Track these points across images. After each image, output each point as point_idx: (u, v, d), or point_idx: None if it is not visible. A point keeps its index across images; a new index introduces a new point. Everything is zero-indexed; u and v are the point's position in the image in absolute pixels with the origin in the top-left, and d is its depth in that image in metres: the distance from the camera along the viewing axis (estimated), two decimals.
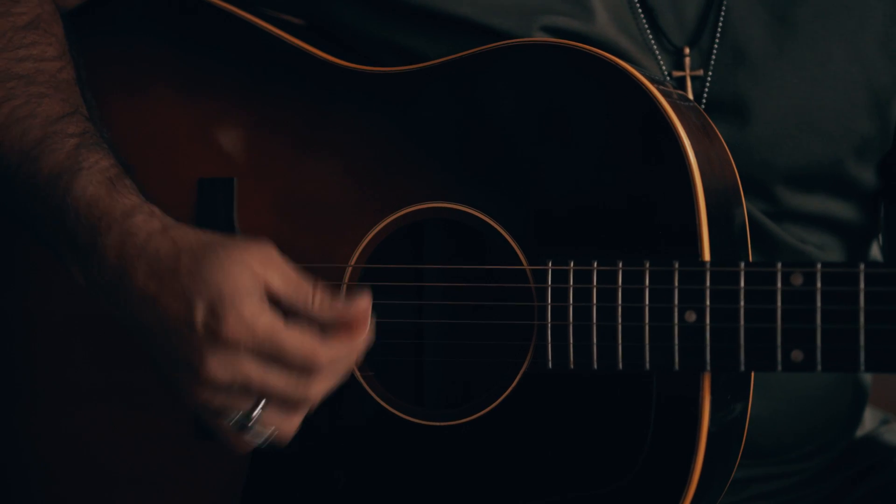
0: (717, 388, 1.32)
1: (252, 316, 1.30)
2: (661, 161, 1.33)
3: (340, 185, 1.46)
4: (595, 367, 1.33)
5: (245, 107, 1.52)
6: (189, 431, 1.49)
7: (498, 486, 1.38)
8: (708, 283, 1.29)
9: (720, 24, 1.52)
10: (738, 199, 1.41)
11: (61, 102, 1.47)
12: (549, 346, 1.35)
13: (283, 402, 1.33)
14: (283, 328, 1.31)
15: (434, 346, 1.47)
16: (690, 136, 1.33)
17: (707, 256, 1.31)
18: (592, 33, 1.50)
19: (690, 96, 1.52)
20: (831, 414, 1.63)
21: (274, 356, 1.31)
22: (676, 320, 1.30)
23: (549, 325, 1.34)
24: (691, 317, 1.30)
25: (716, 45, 1.53)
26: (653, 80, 1.37)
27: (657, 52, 1.53)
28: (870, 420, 1.75)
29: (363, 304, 1.33)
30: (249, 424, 1.34)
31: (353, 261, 1.43)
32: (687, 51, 1.53)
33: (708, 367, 1.30)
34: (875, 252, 1.70)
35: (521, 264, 1.36)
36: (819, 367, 1.27)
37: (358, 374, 1.42)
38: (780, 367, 1.28)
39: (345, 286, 1.43)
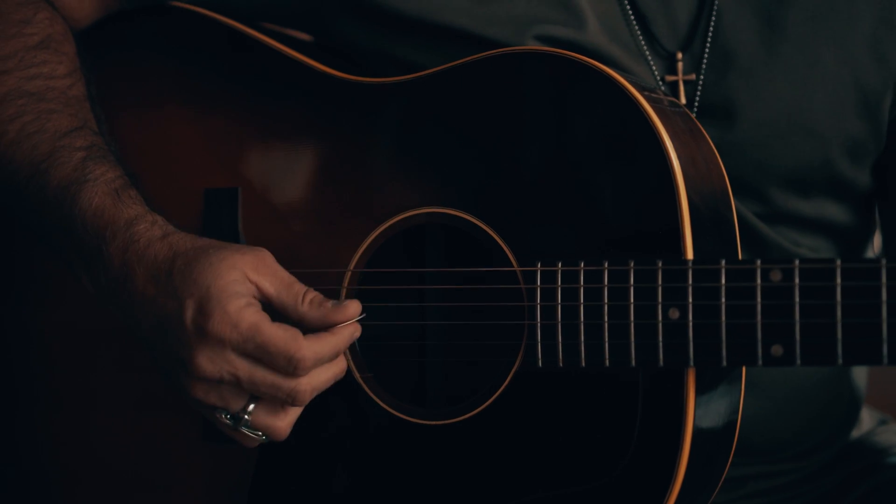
0: (702, 384, 1.36)
1: (237, 313, 1.36)
2: (646, 164, 1.37)
3: (340, 192, 1.51)
4: (583, 364, 1.38)
5: (250, 120, 1.57)
6: (197, 434, 1.55)
7: (492, 481, 1.43)
8: (690, 281, 1.33)
9: (711, 29, 1.56)
10: (726, 201, 1.44)
11: (70, 117, 1.53)
12: (539, 345, 1.39)
13: (273, 399, 1.39)
14: (266, 325, 1.36)
15: (430, 347, 1.51)
16: (675, 139, 1.38)
17: (690, 255, 1.35)
18: (584, 41, 1.54)
19: (683, 100, 1.56)
20: (826, 414, 1.67)
21: (258, 353, 1.36)
22: (660, 318, 1.34)
23: (539, 324, 1.39)
24: (675, 314, 1.34)
25: (707, 50, 1.57)
26: (638, 86, 1.41)
27: (650, 57, 1.57)
28: (868, 421, 1.78)
29: (351, 308, 1.39)
30: (242, 421, 1.40)
31: (352, 265, 1.48)
32: (679, 56, 1.57)
33: (692, 363, 1.34)
34: (870, 253, 1.73)
35: (512, 266, 1.41)
36: (798, 361, 1.30)
37: (357, 375, 1.47)
38: (760, 362, 1.31)
39: (344, 290, 1.48)
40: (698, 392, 1.35)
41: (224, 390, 1.39)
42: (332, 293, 1.48)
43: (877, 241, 1.72)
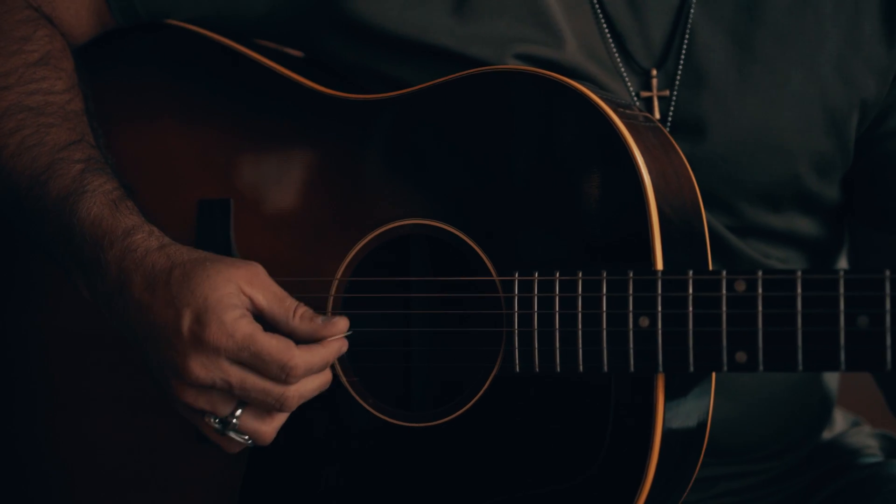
0: (671, 389, 1.44)
1: (233, 323, 1.44)
2: (619, 178, 1.45)
3: (328, 204, 1.59)
4: (558, 370, 1.45)
5: (241, 134, 1.65)
6: (190, 434, 1.62)
7: (471, 481, 1.50)
8: (660, 291, 1.41)
9: (684, 48, 1.63)
10: (697, 214, 1.52)
11: (68, 131, 1.61)
12: (517, 351, 1.47)
13: (262, 405, 1.47)
14: (261, 335, 1.44)
15: (414, 353, 1.59)
16: (646, 154, 1.46)
17: (660, 266, 1.43)
18: (563, 59, 1.61)
19: (657, 115, 1.64)
20: (797, 416, 1.74)
21: (252, 361, 1.44)
22: (631, 325, 1.42)
23: (516, 331, 1.47)
24: (645, 322, 1.42)
25: (680, 68, 1.64)
26: (613, 104, 1.49)
27: (625, 74, 1.64)
28: (841, 422, 1.86)
29: (340, 324, 1.48)
30: (230, 425, 1.48)
31: (339, 274, 1.56)
32: (654, 73, 1.64)
33: (660, 369, 1.42)
34: (842, 265, 1.80)
35: (491, 276, 1.49)
36: (761, 368, 1.38)
37: (344, 379, 1.55)
38: (725, 368, 1.39)
39: (331, 298, 1.56)
40: (668, 397, 1.43)
41: (214, 396, 1.47)
42: (319, 301, 1.55)
43: None
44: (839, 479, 1.74)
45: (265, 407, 1.48)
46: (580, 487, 1.46)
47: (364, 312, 1.55)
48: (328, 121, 1.61)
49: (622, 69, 1.65)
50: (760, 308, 1.38)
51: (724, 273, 1.40)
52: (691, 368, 1.41)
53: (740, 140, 1.63)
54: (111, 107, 1.71)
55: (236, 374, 1.46)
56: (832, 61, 1.63)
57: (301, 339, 1.48)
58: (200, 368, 1.45)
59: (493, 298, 1.49)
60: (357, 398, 1.55)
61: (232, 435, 1.48)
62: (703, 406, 1.51)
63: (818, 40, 1.63)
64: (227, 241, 1.62)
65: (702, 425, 1.51)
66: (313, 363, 1.47)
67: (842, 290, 1.35)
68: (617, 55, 1.65)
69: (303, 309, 1.49)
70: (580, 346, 1.44)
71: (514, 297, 1.47)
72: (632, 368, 1.43)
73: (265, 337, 1.45)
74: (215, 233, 1.63)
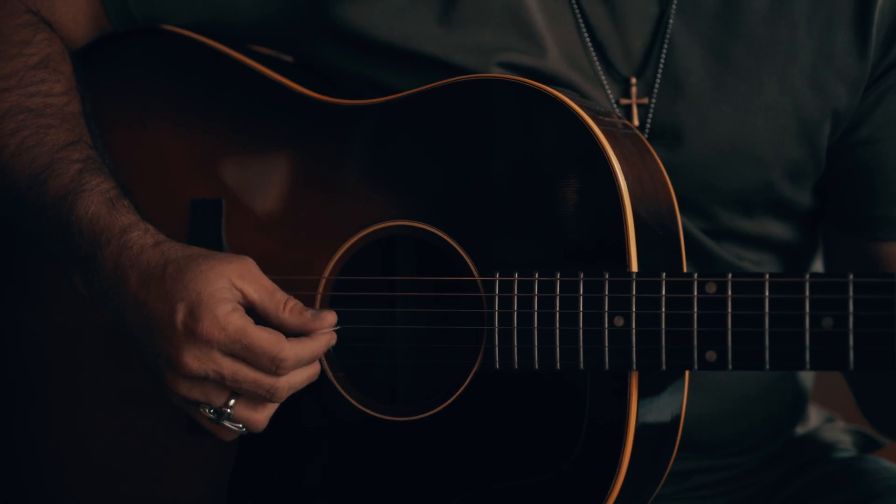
0: (644, 386, 1.50)
1: (225, 317, 1.50)
2: (596, 183, 1.51)
3: (316, 205, 1.65)
4: (536, 366, 1.52)
5: (233, 136, 1.71)
6: (180, 425, 1.69)
7: (452, 473, 1.57)
8: (634, 292, 1.48)
9: (663, 57, 1.69)
10: (672, 218, 1.59)
11: (67, 132, 1.66)
12: (497, 348, 1.54)
13: (253, 396, 1.53)
14: (252, 328, 1.50)
15: (399, 349, 1.65)
16: (623, 161, 1.52)
17: (634, 268, 1.49)
18: (545, 67, 1.67)
19: (636, 122, 1.70)
20: (770, 413, 1.81)
21: (243, 353, 1.51)
22: (606, 325, 1.49)
23: (497, 329, 1.54)
24: (619, 321, 1.49)
25: (659, 77, 1.70)
26: (592, 111, 1.55)
27: (606, 82, 1.70)
28: (815, 418, 1.92)
29: (328, 318, 1.54)
30: (224, 415, 1.54)
31: (326, 273, 1.63)
32: (633, 81, 1.71)
33: (634, 367, 1.49)
34: (817, 267, 1.87)
35: (473, 276, 1.56)
36: (730, 366, 1.45)
37: (330, 374, 1.61)
38: (696, 366, 1.46)
39: (319, 296, 1.62)
40: (641, 393, 1.50)
41: (208, 387, 1.53)
42: (308, 299, 1.62)
43: None
44: (811, 472, 1.81)
45: (256, 397, 1.54)
46: (557, 479, 1.53)
47: (351, 310, 1.61)
48: (317, 124, 1.67)
49: (602, 77, 1.71)
50: (730, 309, 1.45)
51: (696, 275, 1.47)
52: (663, 366, 1.48)
53: (716, 147, 1.69)
54: (108, 109, 1.76)
55: (228, 366, 1.52)
56: (805, 72, 1.69)
57: (291, 332, 1.54)
58: (194, 361, 1.51)
59: (474, 298, 1.56)
60: (343, 393, 1.61)
61: (226, 424, 1.55)
62: (676, 402, 1.57)
63: (792, 51, 1.69)
64: (218, 240, 1.68)
65: (675, 421, 1.58)
66: (303, 356, 1.53)
67: (807, 292, 1.42)
68: (598, 64, 1.71)
69: (293, 302, 1.55)
70: (558, 344, 1.51)
71: (494, 297, 1.54)
72: (607, 366, 1.50)
73: (256, 330, 1.51)
74: (207, 232, 1.69)
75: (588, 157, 1.52)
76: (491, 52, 1.68)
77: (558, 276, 1.51)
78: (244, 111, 1.72)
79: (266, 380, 1.52)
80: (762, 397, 1.79)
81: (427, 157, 1.61)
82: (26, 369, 1.79)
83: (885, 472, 1.75)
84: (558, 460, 1.52)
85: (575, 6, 1.70)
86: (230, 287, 1.53)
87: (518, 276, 1.53)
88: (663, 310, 1.47)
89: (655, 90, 1.71)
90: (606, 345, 1.49)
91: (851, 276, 1.41)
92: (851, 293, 1.41)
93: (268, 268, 1.61)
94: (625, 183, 1.51)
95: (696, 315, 1.46)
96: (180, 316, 1.52)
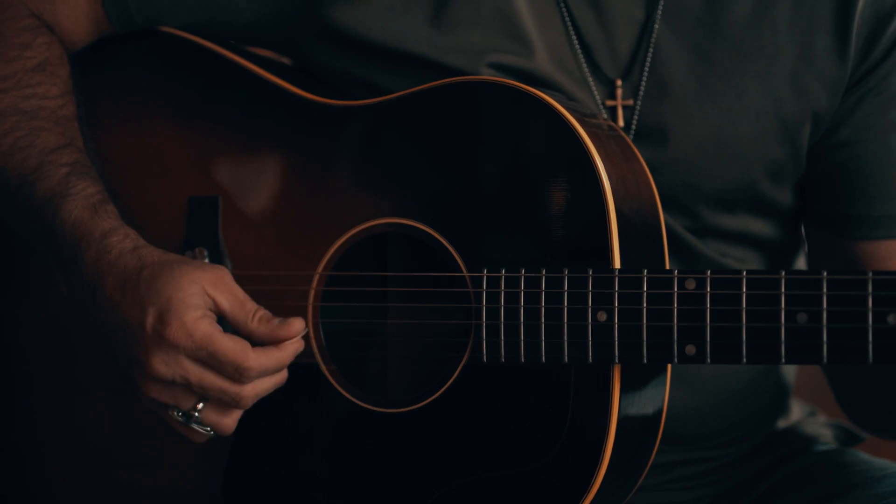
0: (627, 379, 1.57)
1: (192, 323, 1.55)
2: (581, 183, 1.58)
3: (311, 202, 1.71)
4: (522, 360, 1.59)
5: (229, 135, 1.77)
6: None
7: (441, 463, 1.63)
8: (616, 288, 1.55)
9: (648, 60, 1.75)
10: (654, 217, 1.65)
11: (58, 136, 1.72)
12: (484, 342, 1.60)
13: (219, 402, 1.59)
14: (219, 337, 1.56)
15: (390, 343, 1.72)
16: (607, 161, 1.59)
17: (617, 265, 1.56)
18: (533, 69, 1.73)
19: (621, 123, 1.76)
20: (752, 407, 1.87)
21: (209, 360, 1.56)
22: (590, 320, 1.56)
23: (484, 324, 1.60)
24: (602, 316, 1.55)
25: (644, 79, 1.75)
26: (577, 113, 1.61)
27: (592, 84, 1.76)
28: (797, 412, 1.98)
29: (296, 325, 1.59)
30: (193, 418, 1.60)
31: (320, 268, 1.69)
32: (619, 83, 1.76)
33: (616, 360, 1.55)
34: (801, 264, 1.93)
35: (462, 272, 1.63)
36: (709, 360, 1.51)
37: (323, 367, 1.68)
38: (676, 360, 1.53)
39: (313, 291, 1.69)
40: (623, 386, 1.57)
41: (176, 391, 1.59)
42: (302, 294, 1.68)
43: None
44: (792, 464, 1.87)
45: (222, 404, 1.59)
46: (543, 469, 1.59)
47: (343, 305, 1.68)
48: (311, 124, 1.73)
49: (589, 79, 1.77)
50: (709, 305, 1.51)
51: (676, 272, 1.53)
52: (645, 360, 1.54)
53: (699, 147, 1.74)
54: (107, 108, 1.82)
55: (195, 372, 1.57)
56: (787, 75, 1.74)
57: (259, 341, 1.59)
58: (161, 364, 1.56)
59: (463, 293, 1.62)
60: (335, 385, 1.68)
61: (195, 427, 1.60)
62: (658, 396, 1.64)
63: (774, 54, 1.74)
64: (215, 237, 1.74)
65: (657, 414, 1.64)
66: (268, 366, 1.58)
67: (783, 289, 1.48)
68: (585, 66, 1.76)
69: (261, 312, 1.60)
70: (543, 338, 1.58)
71: (482, 293, 1.60)
72: (590, 359, 1.56)
73: (223, 338, 1.56)
74: (205, 228, 1.75)
75: (573, 159, 1.58)
76: (481, 53, 1.73)
77: (544, 272, 1.58)
78: (240, 111, 1.77)
79: (231, 388, 1.58)
80: (746, 392, 1.85)
81: (418, 156, 1.67)
82: (26, 361, 1.85)
83: (862, 464, 1.81)
84: (543, 450, 1.59)
85: (563, 9, 1.76)
86: (202, 293, 1.58)
87: (505, 272, 1.60)
88: (644, 305, 1.54)
89: (641, 92, 1.76)
90: (590, 339, 1.56)
91: (825, 274, 1.47)
92: (825, 290, 1.47)
93: (263, 263, 1.68)
94: (608, 183, 1.57)
95: (676, 310, 1.53)
96: (150, 320, 1.57)
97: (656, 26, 1.75)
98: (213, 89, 1.80)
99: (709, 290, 1.52)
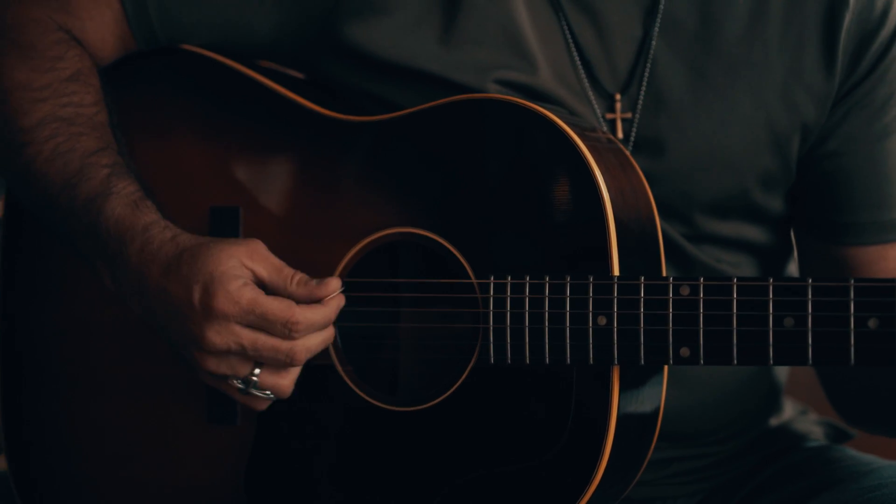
0: (625, 379, 1.67)
1: (237, 291, 1.66)
2: (581, 194, 1.68)
3: (325, 212, 1.81)
4: (527, 361, 1.69)
5: (248, 147, 1.86)
6: (200, 416, 1.85)
7: (450, 458, 1.73)
8: (615, 294, 1.65)
9: (646, 75, 1.83)
10: (651, 226, 1.75)
11: (96, 140, 1.82)
12: (491, 345, 1.70)
13: (274, 362, 1.69)
14: (263, 298, 1.66)
15: (402, 346, 1.82)
16: (606, 174, 1.69)
17: (616, 272, 1.66)
18: (536, 85, 1.82)
19: (620, 135, 1.84)
20: (747, 407, 1.97)
21: (258, 322, 1.66)
22: (591, 324, 1.66)
23: (491, 328, 1.70)
24: (602, 321, 1.66)
25: (642, 93, 1.83)
26: (578, 128, 1.71)
27: (593, 98, 1.85)
28: (789, 410, 2.08)
29: (333, 283, 1.70)
30: (252, 383, 1.70)
31: (336, 275, 1.78)
32: (618, 97, 1.85)
33: (616, 361, 1.65)
34: (792, 269, 2.02)
35: (470, 279, 1.73)
36: (702, 362, 1.62)
37: (339, 368, 1.78)
38: (671, 361, 1.63)
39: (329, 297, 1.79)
40: (622, 386, 1.67)
41: (232, 359, 1.69)
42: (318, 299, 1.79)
43: None
44: (783, 459, 1.97)
45: (277, 363, 1.69)
46: (546, 464, 1.69)
47: (358, 310, 1.78)
48: (325, 138, 1.83)
49: (590, 93, 1.85)
50: (702, 310, 1.62)
51: (672, 279, 1.64)
52: (642, 361, 1.65)
53: (695, 158, 1.83)
54: (132, 121, 1.91)
55: (247, 336, 1.67)
56: (777, 89, 1.82)
57: (301, 302, 1.69)
58: (215, 335, 1.67)
59: (471, 299, 1.72)
60: (351, 385, 1.78)
61: (254, 392, 1.70)
62: (656, 395, 1.74)
63: (765, 70, 1.82)
64: None
65: (655, 412, 1.75)
66: (314, 319, 1.68)
67: (771, 295, 1.59)
68: (586, 81, 1.85)
69: (299, 276, 1.70)
70: (546, 341, 1.68)
71: (489, 298, 1.71)
72: (591, 361, 1.67)
73: (267, 300, 1.67)
74: (226, 236, 1.83)
75: (574, 171, 1.68)
76: (487, 70, 1.81)
77: (547, 279, 1.68)
78: (258, 125, 1.87)
79: (283, 345, 1.67)
80: (739, 392, 1.94)
81: (428, 169, 1.77)
82: (54, 361, 1.94)
83: (850, 459, 1.91)
84: (547, 447, 1.69)
85: (565, 27, 1.84)
86: (240, 266, 1.68)
87: (511, 279, 1.70)
88: (642, 310, 1.64)
89: (639, 105, 1.85)
90: (591, 342, 1.66)
91: (810, 280, 1.58)
92: (810, 296, 1.58)
93: None
94: (607, 194, 1.68)
95: (671, 315, 1.63)
96: (197, 295, 1.67)
97: (653, 43, 1.83)
98: (233, 104, 1.89)
99: (702, 295, 1.62)
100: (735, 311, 1.61)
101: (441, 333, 1.78)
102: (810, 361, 1.59)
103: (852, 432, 2.06)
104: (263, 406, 1.75)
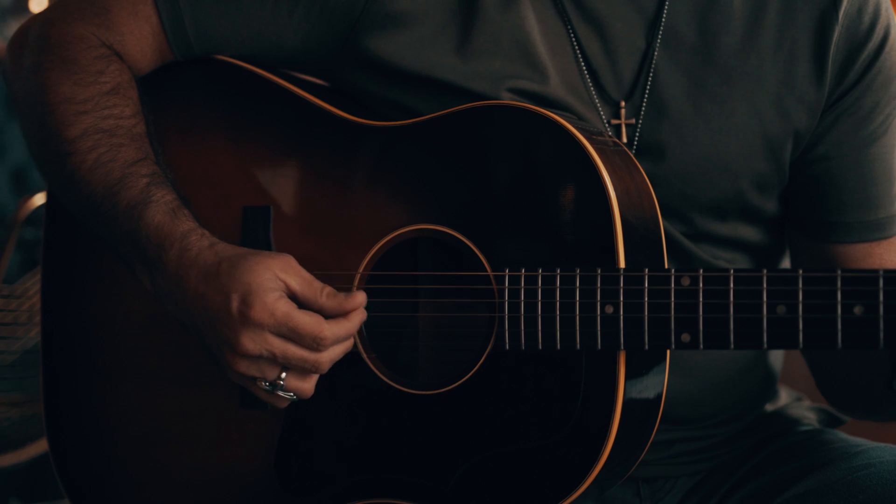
0: (631, 364, 1.80)
1: (272, 303, 1.78)
2: (590, 193, 1.80)
3: (350, 210, 1.93)
4: (540, 347, 1.81)
5: (278, 150, 1.98)
6: (235, 402, 1.97)
7: (468, 438, 1.85)
8: (622, 284, 1.77)
9: (649, 84, 1.94)
10: (655, 223, 1.87)
11: (136, 150, 1.93)
12: (507, 332, 1.82)
13: (300, 369, 1.81)
14: (297, 312, 1.78)
15: (422, 334, 1.94)
16: (613, 174, 1.82)
17: (622, 265, 1.78)
18: (547, 93, 1.93)
19: (625, 140, 1.95)
20: (742, 392, 2.08)
21: (290, 334, 1.78)
22: (599, 312, 1.77)
23: (507, 316, 1.83)
24: (609, 309, 1.77)
25: (645, 101, 1.92)
26: (586, 132, 1.83)
27: (599, 105, 1.95)
28: (785, 397, 2.20)
29: (359, 297, 1.83)
30: (278, 386, 1.83)
31: (361, 269, 1.91)
32: (623, 104, 1.93)
33: (622, 347, 1.77)
34: (785, 265, 2.12)
35: (486, 271, 1.86)
36: (701, 346, 1.74)
37: (364, 355, 1.90)
38: (673, 346, 1.75)
39: (354, 289, 1.91)
40: (628, 370, 1.80)
41: (262, 364, 1.81)
42: (346, 291, 1.89)
43: None
44: (778, 442, 2.08)
45: (303, 371, 1.82)
46: (558, 443, 1.81)
47: (382, 300, 1.91)
48: (350, 142, 1.94)
49: (596, 101, 1.94)
50: (701, 299, 1.74)
51: (673, 271, 1.76)
52: (646, 347, 1.77)
53: (694, 162, 1.92)
54: (168, 126, 2.02)
55: (279, 345, 1.79)
56: (771, 98, 1.91)
57: (329, 314, 1.82)
58: (249, 342, 1.79)
59: (487, 290, 1.84)
60: (375, 370, 1.91)
61: (280, 393, 1.83)
62: (659, 379, 1.86)
63: (759, 80, 1.91)
64: (267, 242, 1.96)
65: (658, 395, 1.87)
66: (339, 334, 1.81)
67: (765, 285, 1.72)
68: (592, 89, 1.94)
69: (328, 289, 1.82)
70: (558, 328, 1.79)
71: (505, 289, 1.83)
72: (599, 346, 1.78)
73: (300, 314, 1.79)
74: (258, 235, 1.96)
75: (583, 172, 1.81)
76: (501, 79, 1.91)
77: (558, 271, 1.81)
78: (286, 128, 1.98)
79: (310, 356, 1.80)
80: (736, 378, 2.05)
81: (446, 170, 1.89)
82: (97, 352, 2.06)
83: (840, 442, 2.02)
84: (558, 427, 1.81)
85: (573, 39, 1.95)
86: (275, 278, 1.80)
87: (525, 271, 1.82)
88: (646, 299, 1.76)
89: (642, 112, 1.93)
90: (599, 329, 1.78)
91: (801, 272, 1.71)
92: (801, 285, 1.70)
93: (308, 265, 1.87)
94: (614, 193, 1.81)
95: (673, 304, 1.75)
96: (235, 304, 1.79)
97: (655, 54, 1.92)
98: (263, 110, 1.99)
99: (701, 286, 1.74)
100: (732, 299, 1.73)
101: (459, 322, 1.90)
102: (801, 345, 1.71)
103: (844, 418, 2.17)
104: (285, 404, 1.87)
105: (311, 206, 1.96)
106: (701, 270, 1.76)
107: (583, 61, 1.96)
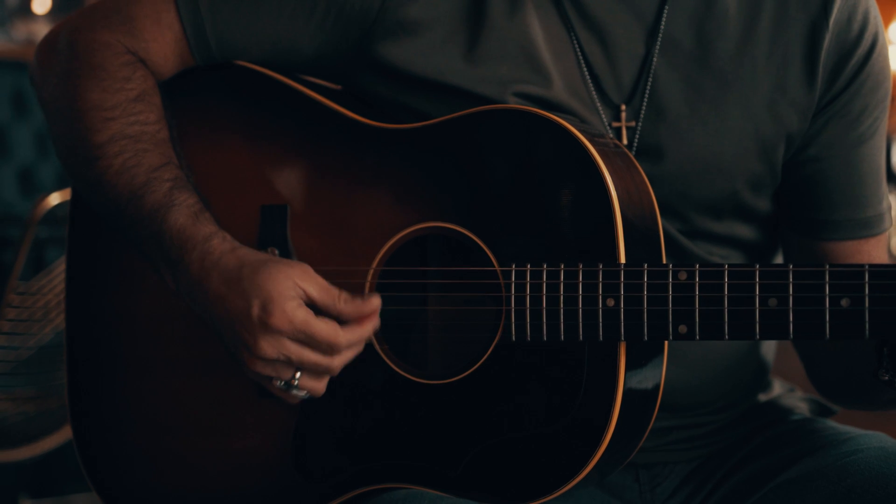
0: (631, 355, 1.89)
1: (291, 311, 1.86)
2: (592, 192, 1.89)
3: (363, 209, 2.01)
4: (545, 339, 1.90)
5: (295, 152, 2.06)
6: (253, 393, 2.07)
7: (475, 426, 1.94)
8: (622, 279, 1.86)
9: (648, 89, 2.01)
10: (653, 221, 1.96)
11: (159, 156, 2.01)
12: (513, 325, 1.91)
13: (314, 372, 1.91)
14: (314, 320, 1.87)
15: (432, 326, 2.03)
16: (614, 175, 1.91)
17: (623, 260, 1.87)
18: (551, 97, 2.00)
19: (625, 142, 2.03)
20: (737, 382, 2.17)
21: (307, 340, 1.87)
22: (600, 305, 1.86)
23: (513, 309, 1.92)
24: (611, 302, 1.86)
25: (644, 105, 1.98)
26: (588, 134, 1.92)
27: (600, 108, 2.03)
28: (778, 388, 2.29)
29: (374, 303, 1.91)
30: (292, 386, 1.93)
31: (374, 265, 2.00)
32: (623, 108, 1.99)
33: (622, 338, 1.85)
34: (777, 261, 2.23)
35: (493, 266, 1.95)
36: (698, 337, 1.83)
37: (377, 346, 2.00)
38: (671, 337, 1.85)
39: (368, 283, 2.00)
40: (628, 360, 1.88)
41: (278, 366, 1.90)
42: (358, 287, 2.00)
43: None
44: (771, 430, 2.15)
45: (317, 373, 1.91)
46: (561, 430, 1.90)
47: (394, 295, 1.99)
48: (363, 143, 2.03)
49: (598, 104, 2.00)
50: (697, 292, 1.82)
51: (671, 265, 1.85)
52: (645, 337, 1.86)
53: (690, 163, 1.98)
54: (189, 128, 2.11)
55: (295, 351, 1.88)
56: (764, 102, 1.97)
57: (345, 318, 1.91)
58: (268, 347, 1.87)
59: (494, 284, 1.90)
60: (387, 361, 2.00)
61: (293, 392, 1.92)
62: (657, 369, 1.95)
63: (753, 85, 1.97)
64: (284, 240, 2.05)
65: (656, 385, 1.95)
66: (353, 340, 1.90)
67: (757, 279, 1.81)
68: (594, 93, 2.00)
69: (345, 294, 1.91)
70: (562, 321, 1.86)
71: (511, 284, 1.91)
72: (601, 338, 1.85)
73: (317, 322, 1.87)
74: (275, 233, 2.04)
75: (585, 172, 1.89)
76: (507, 84, 1.97)
77: (562, 266, 1.89)
78: (301, 131, 2.05)
79: (324, 360, 1.89)
80: (731, 369, 2.14)
81: (455, 170, 1.96)
82: (120, 344, 2.14)
83: (830, 429, 2.11)
84: (561, 415, 1.90)
85: (576, 46, 2.02)
86: (294, 286, 1.88)
87: (530, 266, 1.91)
88: (645, 293, 1.84)
89: (641, 115, 1.98)
90: (600, 321, 1.85)
91: (791, 267, 1.80)
92: (791, 280, 1.80)
93: (325, 261, 1.97)
94: (615, 192, 1.89)
95: (671, 297, 1.83)
96: (255, 311, 1.86)
97: (654, 60, 1.98)
98: (280, 113, 2.05)
99: (698, 280, 1.83)
100: (726, 293, 1.82)
101: (467, 315, 1.98)
102: (791, 336, 1.80)
103: (834, 408, 2.25)
104: (298, 401, 1.96)
105: (325, 204, 2.02)
106: (697, 265, 1.84)
107: (585, 66, 2.01)
